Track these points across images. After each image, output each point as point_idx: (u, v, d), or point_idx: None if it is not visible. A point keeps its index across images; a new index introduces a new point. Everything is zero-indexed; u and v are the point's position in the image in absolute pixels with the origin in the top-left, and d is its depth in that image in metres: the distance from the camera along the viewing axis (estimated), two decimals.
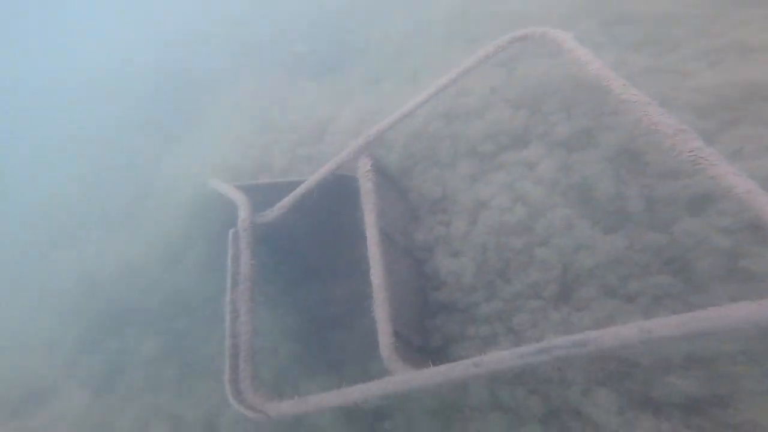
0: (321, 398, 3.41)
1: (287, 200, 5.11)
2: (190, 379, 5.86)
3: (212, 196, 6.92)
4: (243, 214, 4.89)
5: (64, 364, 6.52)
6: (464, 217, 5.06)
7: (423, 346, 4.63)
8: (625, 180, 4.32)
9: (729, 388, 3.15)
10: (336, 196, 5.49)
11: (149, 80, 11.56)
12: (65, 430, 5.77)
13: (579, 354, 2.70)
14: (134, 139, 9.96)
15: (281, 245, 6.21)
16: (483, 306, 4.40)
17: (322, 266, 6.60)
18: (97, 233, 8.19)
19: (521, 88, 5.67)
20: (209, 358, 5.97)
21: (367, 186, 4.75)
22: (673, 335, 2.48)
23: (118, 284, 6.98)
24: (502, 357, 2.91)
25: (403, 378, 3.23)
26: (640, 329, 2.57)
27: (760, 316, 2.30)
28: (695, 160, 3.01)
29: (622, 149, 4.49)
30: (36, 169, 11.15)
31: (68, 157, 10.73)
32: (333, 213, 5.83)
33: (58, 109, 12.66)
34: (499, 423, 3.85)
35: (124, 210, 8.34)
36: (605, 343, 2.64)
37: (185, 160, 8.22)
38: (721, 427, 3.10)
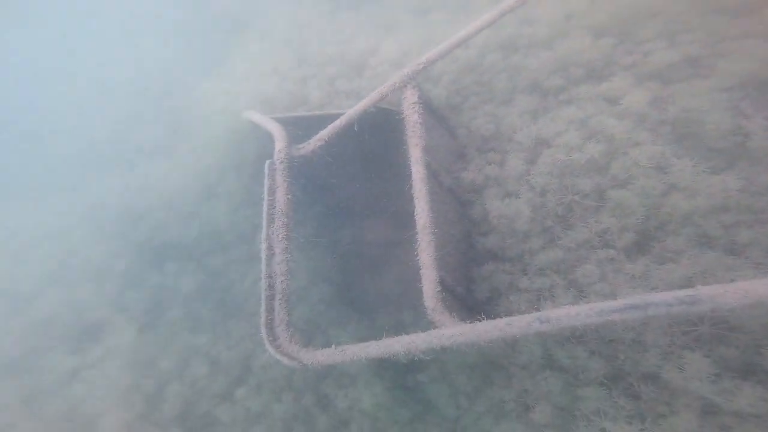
0: (359, 348, 3.11)
1: (325, 132, 4.59)
2: (225, 320, 5.79)
3: (247, 128, 6.55)
4: (279, 145, 4.46)
5: (112, 298, 6.57)
6: (521, 156, 4.32)
7: (466, 296, 4.18)
8: (748, 113, 3.40)
9: None
10: (377, 130, 4.91)
11: (185, 12, 10.95)
12: (118, 365, 5.87)
13: (683, 314, 2.09)
14: (170, 71, 9.58)
15: (316, 181, 5.80)
16: (540, 255, 3.78)
17: (358, 205, 6.20)
18: (139, 165, 8.07)
19: (607, 13, 4.63)
20: (243, 298, 5.85)
21: (413, 119, 4.15)
22: None
23: (157, 216, 6.87)
24: (577, 313, 2.36)
25: (451, 332, 2.81)
26: None
27: None
28: None
29: (747, 79, 3.52)
30: (85, 105, 11.14)
31: (110, 92, 10.61)
32: (373, 148, 5.28)
33: (103, 46, 12.39)
34: (551, 383, 3.41)
35: (162, 142, 8.13)
36: (726, 301, 2.00)
37: (219, 93, 7.79)
38: None
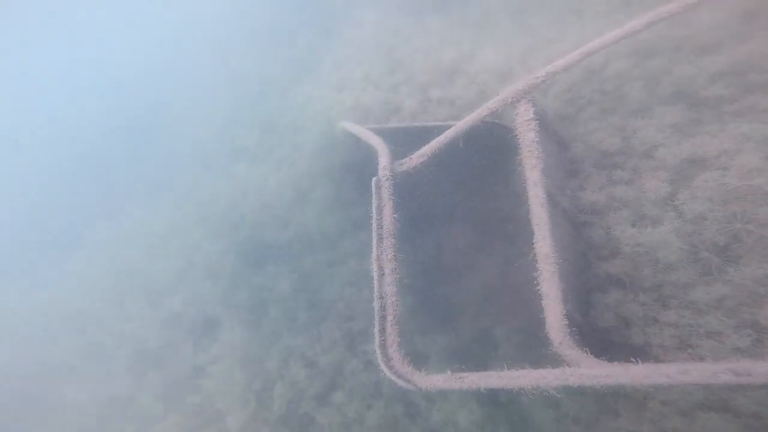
0: (479, 377, 2.85)
1: (428, 148, 4.28)
2: (318, 322, 5.80)
3: (340, 136, 6.48)
4: (384, 161, 4.24)
5: (223, 297, 6.69)
6: (662, 176, 3.65)
7: (584, 322, 3.70)
8: None
9: None
10: (482, 144, 4.55)
11: (272, 12, 11.10)
12: (233, 363, 5.99)
13: None
14: (263, 74, 9.79)
15: (407, 190, 5.55)
16: (694, 288, 3.15)
17: (444, 218, 5.85)
18: (239, 166, 8.27)
19: None
20: (331, 300, 5.82)
21: (529, 137, 3.69)
22: None
23: (257, 218, 7.03)
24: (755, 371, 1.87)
25: (595, 372, 2.46)
26: None
27: None
28: None
29: None
30: (190, 106, 11.81)
31: (211, 96, 11.15)
32: (475, 162, 4.89)
33: (204, 50, 12.96)
34: (712, 424, 2.82)
35: (258, 145, 8.29)
36: None
37: (314, 98, 7.75)
38: None
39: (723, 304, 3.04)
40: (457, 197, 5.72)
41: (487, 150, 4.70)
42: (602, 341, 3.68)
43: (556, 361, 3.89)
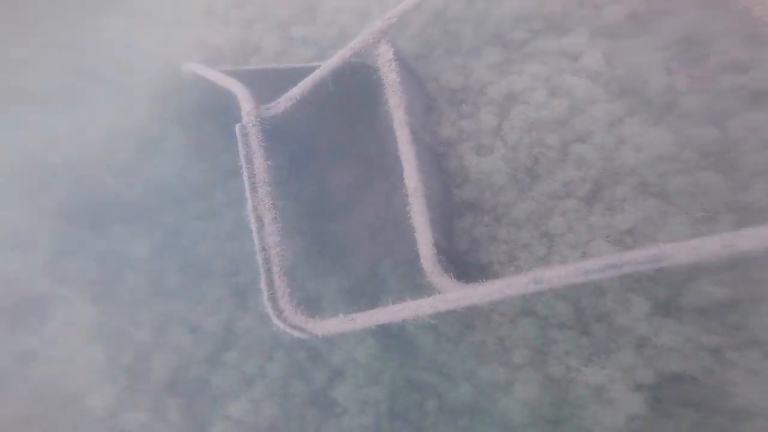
0: (367, 316, 3.19)
1: (296, 90, 4.16)
2: (197, 283, 5.36)
3: (185, 80, 5.57)
4: (247, 107, 3.97)
5: (47, 269, 5.51)
6: (492, 111, 4.39)
7: (449, 249, 4.43)
8: (676, 71, 3.74)
9: (750, 291, 3.15)
10: (348, 85, 4.57)
11: None
12: (83, 341, 5.23)
13: (650, 269, 2.57)
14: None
15: (278, 134, 5.36)
16: (515, 207, 4.11)
17: (319, 155, 5.92)
18: (38, 115, 6.24)
19: None
20: (211, 257, 5.41)
21: (391, 77, 3.90)
22: (758, 249, 2.34)
23: (82, 172, 5.76)
24: (566, 273, 2.74)
25: (456, 296, 3.01)
26: (723, 243, 2.41)
27: None
28: None
29: (678, 38, 3.77)
30: None
31: None
32: (352, 104, 4.93)
33: None
34: (527, 328, 3.79)
35: (64, 90, 6.36)
36: (682, 258, 2.49)
37: (135, 34, 6.23)
38: (732, 330, 3.19)
39: (531, 218, 4.01)
40: (337, 137, 5.75)
41: (359, 90, 4.74)
42: (463, 263, 4.28)
43: (431, 288, 4.53)
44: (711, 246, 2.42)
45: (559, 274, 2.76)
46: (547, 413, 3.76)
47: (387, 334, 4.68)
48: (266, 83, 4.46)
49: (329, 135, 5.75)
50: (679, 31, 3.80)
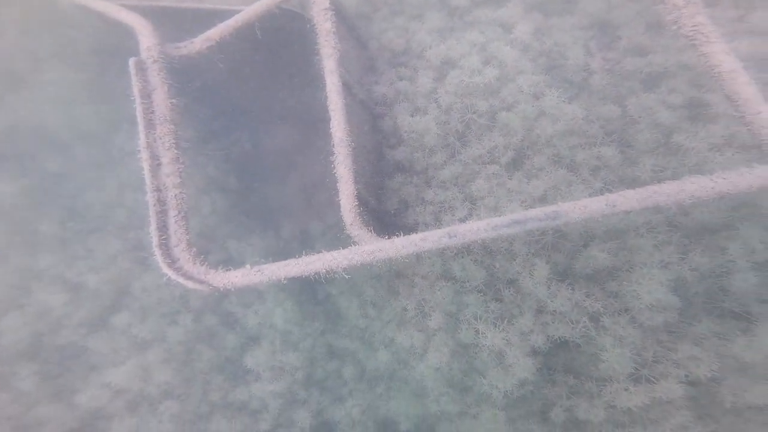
0: (277, 268, 2.93)
1: (215, 31, 3.77)
2: (84, 235, 4.76)
3: (66, 11, 4.75)
4: (147, 41, 3.52)
5: None
6: (430, 75, 4.39)
7: (378, 207, 4.44)
8: (593, 51, 4.01)
9: (626, 260, 3.46)
10: (278, 33, 4.25)
11: None
12: None
13: (550, 226, 2.78)
14: None
15: (201, 84, 4.89)
16: (443, 169, 4.22)
17: (252, 111, 5.56)
18: None
19: None
20: (104, 208, 4.86)
21: (325, 26, 3.70)
22: (634, 208, 2.64)
23: None
24: (477, 228, 2.87)
25: (371, 248, 2.91)
26: (606, 203, 2.68)
27: (711, 191, 2.50)
28: (694, 34, 2.76)
29: (597, 20, 4.01)
30: None
31: None
32: (272, 51, 4.59)
33: None
34: (444, 292, 3.85)
35: None
36: (574, 215, 2.73)
37: None
38: (608, 296, 3.49)
39: (457, 181, 4.14)
40: (271, 93, 5.42)
41: (294, 42, 4.47)
42: (392, 225, 4.25)
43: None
44: (597, 204, 2.68)
45: (471, 228, 2.88)
46: (456, 379, 3.84)
47: (311, 300, 4.58)
48: (181, 25, 3.99)
49: (261, 90, 5.37)
50: (600, 14, 4.03)
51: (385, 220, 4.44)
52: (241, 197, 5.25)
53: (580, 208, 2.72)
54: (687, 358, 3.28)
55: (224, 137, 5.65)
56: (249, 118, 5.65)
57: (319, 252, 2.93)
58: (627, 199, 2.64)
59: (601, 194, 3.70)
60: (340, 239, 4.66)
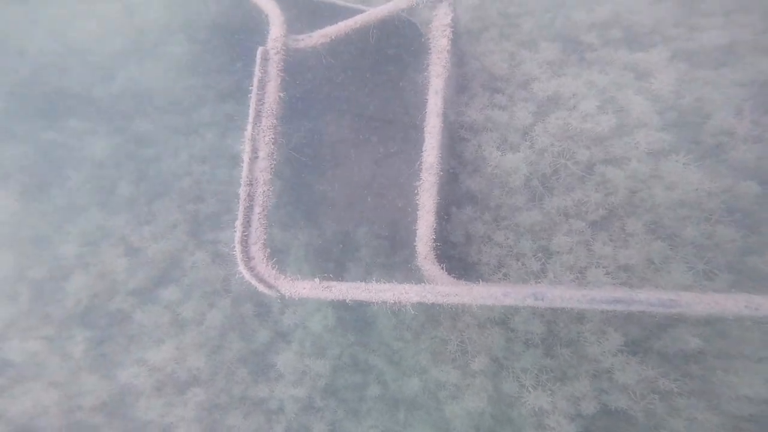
0: (347, 288, 2.76)
1: (333, 29, 3.66)
2: (150, 199, 4.67)
3: None
4: (277, 32, 3.46)
5: None
6: (530, 108, 4.03)
7: (441, 235, 4.14)
8: (744, 113, 3.43)
9: (719, 347, 3.10)
10: (388, 42, 4.06)
11: None
12: None
13: (660, 312, 2.39)
14: None
15: (302, 77, 4.80)
16: (520, 213, 3.84)
17: (324, 108, 5.42)
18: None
19: None
20: (175, 175, 4.78)
21: (441, 44, 3.50)
22: None
23: (53, 59, 5.00)
24: (570, 296, 2.48)
25: (447, 290, 2.65)
26: (747, 304, 2.25)
27: None
28: None
29: (766, 77, 3.48)
30: None
31: None
32: (376, 60, 4.43)
33: None
34: (495, 338, 3.57)
35: None
36: (698, 309, 2.31)
37: None
38: (689, 378, 3.16)
39: (533, 229, 3.74)
40: (346, 88, 5.26)
41: (392, 47, 4.29)
42: (449, 256, 3.98)
43: (406, 270, 4.05)
44: (734, 304, 2.26)
45: (563, 296, 2.52)
46: (485, 426, 3.59)
47: (345, 306, 4.34)
48: (304, 13, 3.94)
49: (343, 85, 5.23)
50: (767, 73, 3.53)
51: (447, 251, 4.16)
52: (292, 186, 5.12)
53: (710, 303, 2.30)
54: None
55: (287, 122, 5.54)
56: (315, 109, 5.52)
57: (390, 282, 2.74)
58: None
59: (703, 278, 3.30)
60: (385, 253, 4.51)
